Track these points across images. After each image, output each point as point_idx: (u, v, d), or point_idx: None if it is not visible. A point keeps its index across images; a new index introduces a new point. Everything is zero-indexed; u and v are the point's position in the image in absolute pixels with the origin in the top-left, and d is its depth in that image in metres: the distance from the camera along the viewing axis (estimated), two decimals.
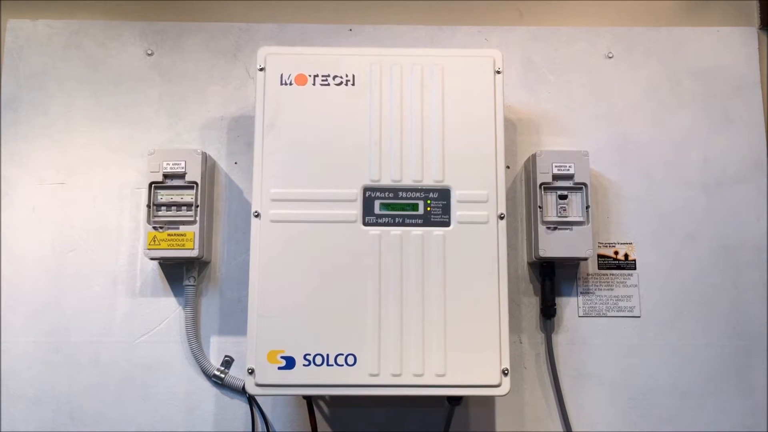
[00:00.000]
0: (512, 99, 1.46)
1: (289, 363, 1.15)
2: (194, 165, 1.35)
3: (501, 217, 1.20)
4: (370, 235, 1.19)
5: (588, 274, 1.42)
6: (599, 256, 1.42)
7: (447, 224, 1.20)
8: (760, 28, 1.51)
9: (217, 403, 1.37)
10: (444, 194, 1.21)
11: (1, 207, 1.42)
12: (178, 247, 1.32)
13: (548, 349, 1.39)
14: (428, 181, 1.21)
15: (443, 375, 1.15)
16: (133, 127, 1.45)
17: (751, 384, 1.40)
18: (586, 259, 1.36)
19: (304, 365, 1.15)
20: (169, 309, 1.39)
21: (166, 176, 1.34)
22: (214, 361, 1.38)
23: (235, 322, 1.39)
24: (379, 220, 1.20)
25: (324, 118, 1.22)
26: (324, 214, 1.19)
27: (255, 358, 1.15)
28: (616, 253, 1.42)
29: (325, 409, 1.38)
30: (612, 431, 1.38)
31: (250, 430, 1.36)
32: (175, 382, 1.38)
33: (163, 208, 1.34)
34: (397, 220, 1.20)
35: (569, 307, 1.41)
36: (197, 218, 1.33)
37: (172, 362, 1.38)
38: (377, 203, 1.20)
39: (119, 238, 1.41)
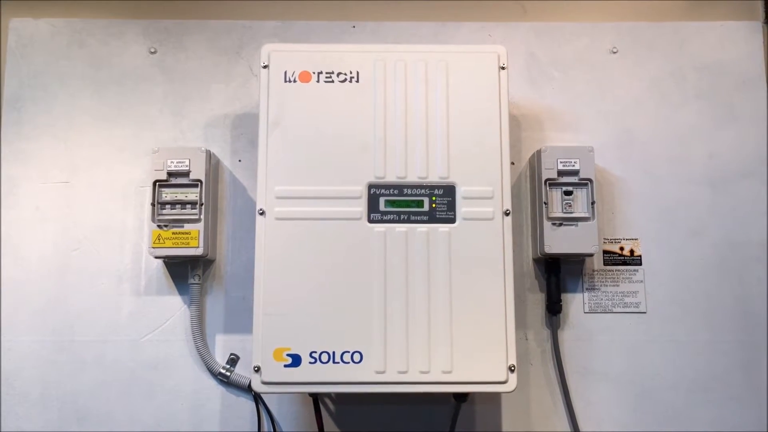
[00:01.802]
0: (516, 95, 1.46)
1: (295, 361, 1.14)
2: (198, 163, 1.34)
3: (506, 214, 1.19)
4: (375, 232, 1.19)
5: (594, 270, 1.41)
6: (605, 252, 1.42)
7: (452, 221, 1.19)
8: (764, 23, 1.50)
9: (223, 401, 1.37)
10: (449, 191, 1.20)
11: (6, 206, 1.42)
12: (183, 246, 1.32)
13: (554, 345, 1.38)
14: (433, 178, 1.20)
15: (449, 372, 1.15)
16: (136, 125, 1.45)
17: (757, 380, 1.39)
18: (591, 255, 1.36)
19: (310, 363, 1.14)
20: (174, 307, 1.39)
21: (170, 174, 1.34)
22: (220, 360, 1.38)
23: (240, 320, 1.39)
24: (384, 217, 1.19)
25: (328, 115, 1.22)
26: (329, 211, 1.19)
27: (261, 356, 1.15)
28: (622, 248, 1.42)
29: (332, 406, 1.38)
30: (618, 428, 1.38)
31: (256, 428, 1.36)
32: (181, 380, 1.38)
33: (167, 206, 1.34)
34: (402, 216, 1.19)
35: (575, 303, 1.40)
36: (202, 216, 1.33)
37: (177, 360, 1.38)
38: (382, 200, 1.20)
39: (123, 236, 1.41)
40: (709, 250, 1.43)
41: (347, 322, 1.16)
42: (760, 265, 1.42)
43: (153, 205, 1.33)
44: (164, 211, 1.34)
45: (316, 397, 1.31)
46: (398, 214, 1.19)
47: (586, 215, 1.34)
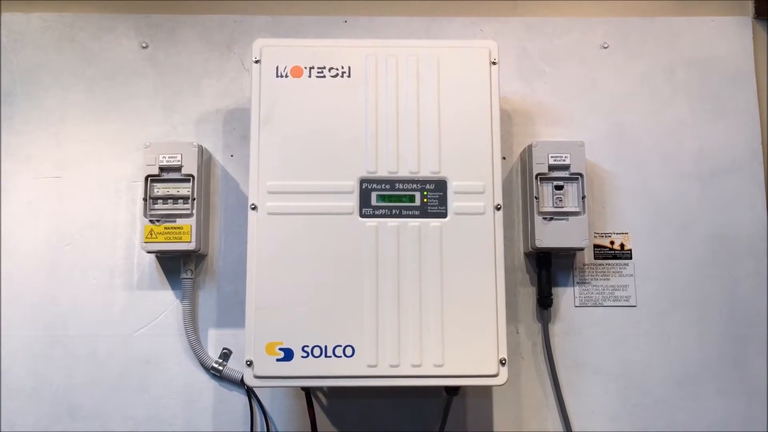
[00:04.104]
0: (507, 90, 1.47)
1: (288, 355, 1.15)
2: (190, 158, 1.34)
3: (498, 208, 1.20)
4: (367, 226, 1.19)
5: (584, 264, 1.42)
6: (595, 246, 1.43)
7: (444, 215, 1.20)
8: (754, 18, 1.51)
9: (216, 395, 1.38)
10: (440, 185, 1.21)
11: None
12: (175, 240, 1.32)
13: (545, 339, 1.39)
14: (425, 173, 1.21)
15: (441, 365, 1.15)
16: (128, 120, 1.45)
17: (746, 372, 1.41)
18: (582, 249, 1.36)
19: (302, 357, 1.15)
20: (166, 302, 1.39)
21: (162, 169, 1.34)
22: (212, 354, 1.38)
23: (232, 314, 1.39)
24: (376, 212, 1.20)
25: (320, 110, 1.22)
26: (321, 206, 1.19)
27: (253, 350, 1.15)
28: (612, 243, 1.43)
29: (324, 400, 1.38)
30: (608, 420, 1.39)
31: (249, 422, 1.36)
32: (174, 375, 1.38)
33: (159, 201, 1.34)
34: (393, 211, 1.20)
35: (566, 297, 1.41)
36: (194, 211, 1.33)
37: (170, 355, 1.38)
38: (374, 195, 1.20)
39: (116, 231, 1.41)
40: (698, 244, 1.44)
41: (339, 316, 1.16)
42: (750, 259, 1.43)
43: (145, 200, 1.33)
44: (156, 206, 1.34)
45: (308, 391, 1.32)
46: (390, 208, 1.20)
47: (577, 209, 1.35)
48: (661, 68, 1.49)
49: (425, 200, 1.20)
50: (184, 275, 1.38)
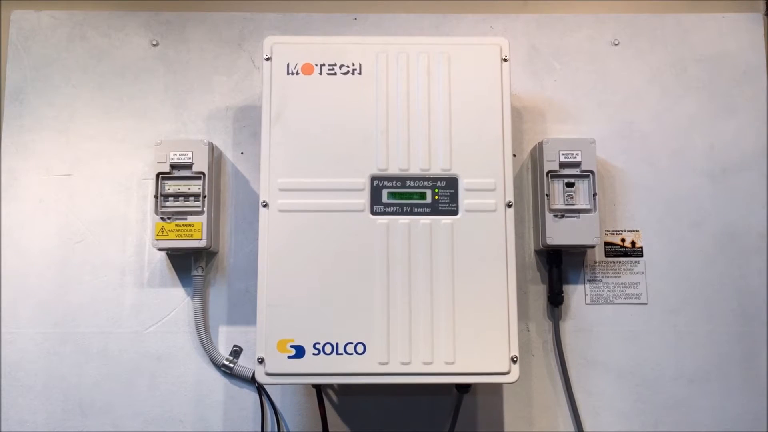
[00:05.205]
0: (518, 87, 1.46)
1: (299, 352, 1.15)
2: (201, 155, 1.35)
3: (509, 205, 1.20)
4: (378, 224, 1.19)
5: (595, 262, 1.42)
6: (606, 243, 1.42)
7: (455, 213, 1.20)
8: (765, 15, 1.51)
9: (227, 392, 1.38)
10: (451, 183, 1.21)
11: (8, 199, 1.42)
12: (186, 238, 1.32)
13: (556, 336, 1.39)
14: (435, 170, 1.21)
15: (452, 363, 1.15)
16: (138, 117, 1.45)
17: (757, 370, 1.40)
18: (593, 246, 1.36)
19: (313, 354, 1.15)
20: (177, 299, 1.40)
21: (173, 167, 1.34)
22: (223, 351, 1.39)
23: (243, 312, 1.39)
24: (387, 209, 1.20)
25: (331, 107, 1.22)
26: (332, 203, 1.19)
27: (265, 348, 1.15)
28: (623, 240, 1.42)
29: (334, 397, 1.38)
30: (619, 418, 1.39)
31: (260, 419, 1.37)
32: (184, 372, 1.38)
33: (170, 198, 1.34)
34: (404, 208, 1.20)
35: (576, 294, 1.41)
36: (205, 208, 1.33)
37: (180, 352, 1.38)
38: (385, 192, 1.20)
39: (126, 229, 1.42)
40: (709, 241, 1.43)
41: (350, 313, 1.16)
42: (760, 256, 1.43)
43: (156, 197, 1.33)
44: (167, 204, 1.34)
45: (319, 389, 1.32)
46: (401, 206, 1.20)
47: (588, 207, 1.34)
48: (671, 65, 1.49)
49: (436, 197, 1.20)
50: (194, 272, 1.38)
